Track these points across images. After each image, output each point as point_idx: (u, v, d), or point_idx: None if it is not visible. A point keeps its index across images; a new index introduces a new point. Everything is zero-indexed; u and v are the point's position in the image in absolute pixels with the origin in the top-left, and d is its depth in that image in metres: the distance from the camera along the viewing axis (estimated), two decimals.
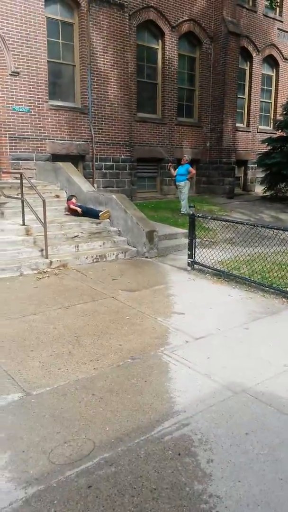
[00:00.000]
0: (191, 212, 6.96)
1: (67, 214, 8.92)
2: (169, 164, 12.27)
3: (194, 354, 3.90)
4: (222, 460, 2.55)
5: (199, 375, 3.52)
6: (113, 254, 7.57)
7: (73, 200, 8.97)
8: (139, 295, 5.64)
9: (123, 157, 12.96)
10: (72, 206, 8.83)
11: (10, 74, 10.40)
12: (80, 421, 2.92)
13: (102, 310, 5.04)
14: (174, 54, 14.14)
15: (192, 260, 6.88)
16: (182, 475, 2.43)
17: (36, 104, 10.93)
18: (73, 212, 8.82)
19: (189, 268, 6.89)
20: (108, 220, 8.63)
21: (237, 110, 15.98)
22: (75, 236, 7.91)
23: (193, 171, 11.59)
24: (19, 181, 8.09)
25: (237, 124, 16.18)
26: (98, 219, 8.51)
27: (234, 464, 2.52)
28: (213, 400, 3.17)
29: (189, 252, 6.90)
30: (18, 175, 8.29)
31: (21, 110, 10.68)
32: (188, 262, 6.94)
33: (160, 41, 13.97)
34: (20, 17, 10.33)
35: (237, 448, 2.65)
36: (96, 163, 12.32)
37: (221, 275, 6.42)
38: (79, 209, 8.73)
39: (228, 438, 2.75)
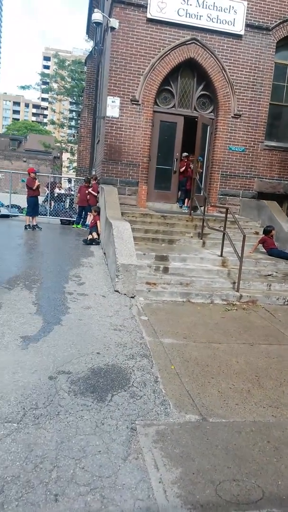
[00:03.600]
0: None
1: (262, 251, 8.84)
2: None
3: None
4: None
5: None
6: None
7: (272, 233, 8.88)
8: None
9: None
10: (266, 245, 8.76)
11: (232, 117, 11.14)
12: (252, 464, 2.83)
13: None
14: None
15: None
16: None
17: (251, 144, 11.35)
18: (268, 248, 8.72)
19: None
20: None
21: None
22: (268, 275, 7.76)
23: None
24: (223, 215, 8.50)
25: None
26: None
27: None
28: None
29: None
30: (223, 210, 8.71)
31: (236, 149, 11.27)
32: None
33: None
34: (250, 64, 11.00)
35: None
36: None
37: None
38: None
39: None
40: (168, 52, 10.58)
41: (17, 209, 15.56)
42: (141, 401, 3.43)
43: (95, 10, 11.87)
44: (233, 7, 10.67)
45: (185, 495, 2.50)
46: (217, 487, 2.60)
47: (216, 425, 3.24)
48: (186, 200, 11.48)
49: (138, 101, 10.65)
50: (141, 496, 2.45)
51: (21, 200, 15.15)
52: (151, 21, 10.39)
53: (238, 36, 10.85)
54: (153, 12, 10.33)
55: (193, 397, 3.61)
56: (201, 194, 10.25)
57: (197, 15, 10.53)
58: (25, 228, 11.61)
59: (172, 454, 2.85)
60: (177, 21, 10.45)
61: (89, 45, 27.14)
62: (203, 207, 9.34)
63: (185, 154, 11.50)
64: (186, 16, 10.48)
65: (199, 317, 5.83)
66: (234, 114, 11.12)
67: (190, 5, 10.48)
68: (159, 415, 3.28)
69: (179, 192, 11.70)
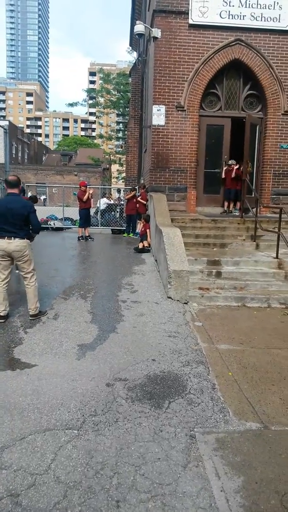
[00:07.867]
0: None
1: None
2: None
3: None
4: None
5: None
6: None
7: None
8: None
9: None
10: None
11: (283, 114, 10.82)
12: None
13: None
14: None
15: None
16: None
17: None
18: None
19: None
20: None
21: None
22: None
23: None
24: (277, 215, 8.21)
25: None
26: None
27: None
28: None
29: None
30: (277, 210, 8.43)
31: None
32: None
33: None
34: None
35: None
36: None
37: None
38: None
39: None
40: (212, 56, 10.51)
41: (70, 222, 16.09)
42: (199, 408, 3.37)
43: (137, 22, 12.08)
44: (277, 3, 10.41)
45: (248, 505, 2.42)
46: (283, 498, 2.48)
47: (279, 433, 3.11)
48: (236, 202, 11.24)
49: (183, 107, 10.66)
50: (202, 505, 2.40)
51: (73, 212, 15.64)
52: (193, 26, 10.39)
53: (284, 32, 10.54)
54: (195, 17, 10.33)
55: (253, 405, 3.49)
56: (252, 195, 10.00)
57: (240, 15, 10.39)
58: (78, 239, 11.96)
59: (233, 463, 2.77)
60: (220, 23, 10.37)
61: (132, 57, 27.68)
62: (255, 209, 9.10)
63: (231, 162, 11.08)
64: (228, 18, 10.37)
65: (256, 322, 5.65)
66: (285, 111, 10.78)
67: (233, 6, 10.36)
68: (218, 423, 3.20)
69: (226, 199, 11.34)
